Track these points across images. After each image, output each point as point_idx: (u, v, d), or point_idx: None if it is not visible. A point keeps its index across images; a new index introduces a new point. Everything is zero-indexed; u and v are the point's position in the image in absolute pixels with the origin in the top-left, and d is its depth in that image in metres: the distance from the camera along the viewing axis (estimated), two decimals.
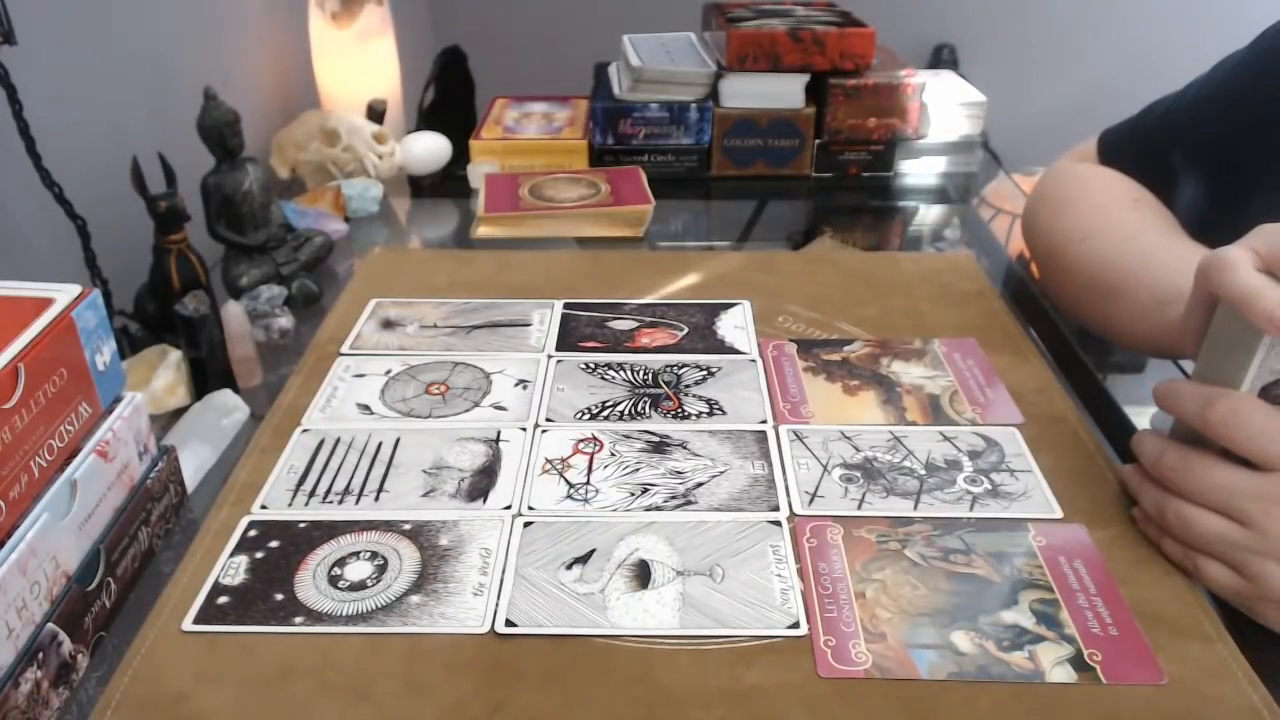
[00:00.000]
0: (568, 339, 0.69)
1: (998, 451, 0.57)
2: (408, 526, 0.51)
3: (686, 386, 0.63)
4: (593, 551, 0.50)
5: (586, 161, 1.02)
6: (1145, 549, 0.49)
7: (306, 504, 0.53)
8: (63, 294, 0.45)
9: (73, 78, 0.75)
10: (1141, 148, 0.70)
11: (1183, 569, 0.47)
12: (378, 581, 0.48)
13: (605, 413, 0.61)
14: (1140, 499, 0.49)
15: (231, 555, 0.50)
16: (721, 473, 0.55)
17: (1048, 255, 0.70)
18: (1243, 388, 0.44)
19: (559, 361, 0.66)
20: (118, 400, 0.49)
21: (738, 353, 0.67)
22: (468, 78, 1.27)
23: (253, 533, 0.51)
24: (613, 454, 0.57)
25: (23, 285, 0.46)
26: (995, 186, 1.05)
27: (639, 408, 0.61)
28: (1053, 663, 0.43)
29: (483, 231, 0.89)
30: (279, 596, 0.47)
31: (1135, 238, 0.62)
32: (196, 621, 0.46)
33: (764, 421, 0.60)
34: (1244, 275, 0.42)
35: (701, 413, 0.61)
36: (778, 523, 0.51)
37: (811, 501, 0.53)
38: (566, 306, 0.73)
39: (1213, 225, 0.61)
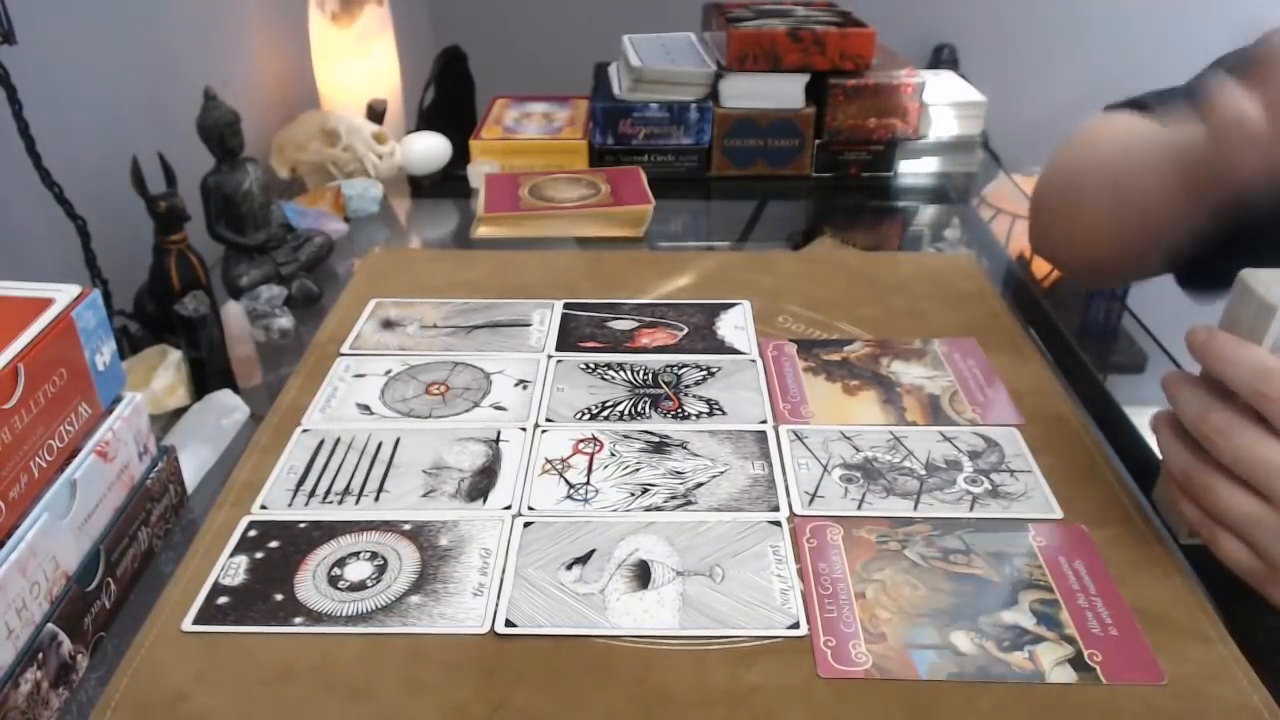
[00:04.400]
0: (568, 339, 0.69)
1: (998, 452, 0.57)
2: (408, 527, 0.51)
3: (686, 386, 0.63)
4: (593, 552, 0.50)
5: (586, 161, 1.02)
6: (1145, 549, 0.49)
7: (306, 504, 0.53)
8: (63, 294, 0.45)
9: (73, 78, 0.74)
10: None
11: (1199, 535, 0.46)
12: (378, 582, 0.48)
13: (605, 413, 0.61)
14: (1166, 457, 0.47)
15: (231, 555, 0.50)
16: (721, 473, 0.55)
17: (1057, 188, 0.69)
18: None
19: (559, 361, 0.66)
20: (118, 400, 0.49)
21: (738, 353, 0.67)
22: (468, 78, 1.27)
23: (253, 533, 0.51)
24: (613, 454, 0.57)
25: (23, 285, 0.46)
26: (995, 186, 1.05)
27: (639, 408, 0.61)
28: (1053, 663, 0.43)
29: (483, 231, 0.89)
30: (279, 597, 0.47)
31: (1143, 134, 0.64)
32: (196, 622, 0.46)
33: (764, 421, 0.60)
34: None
35: (701, 413, 0.61)
36: (778, 523, 0.51)
37: (811, 502, 0.53)
38: (566, 307, 0.73)
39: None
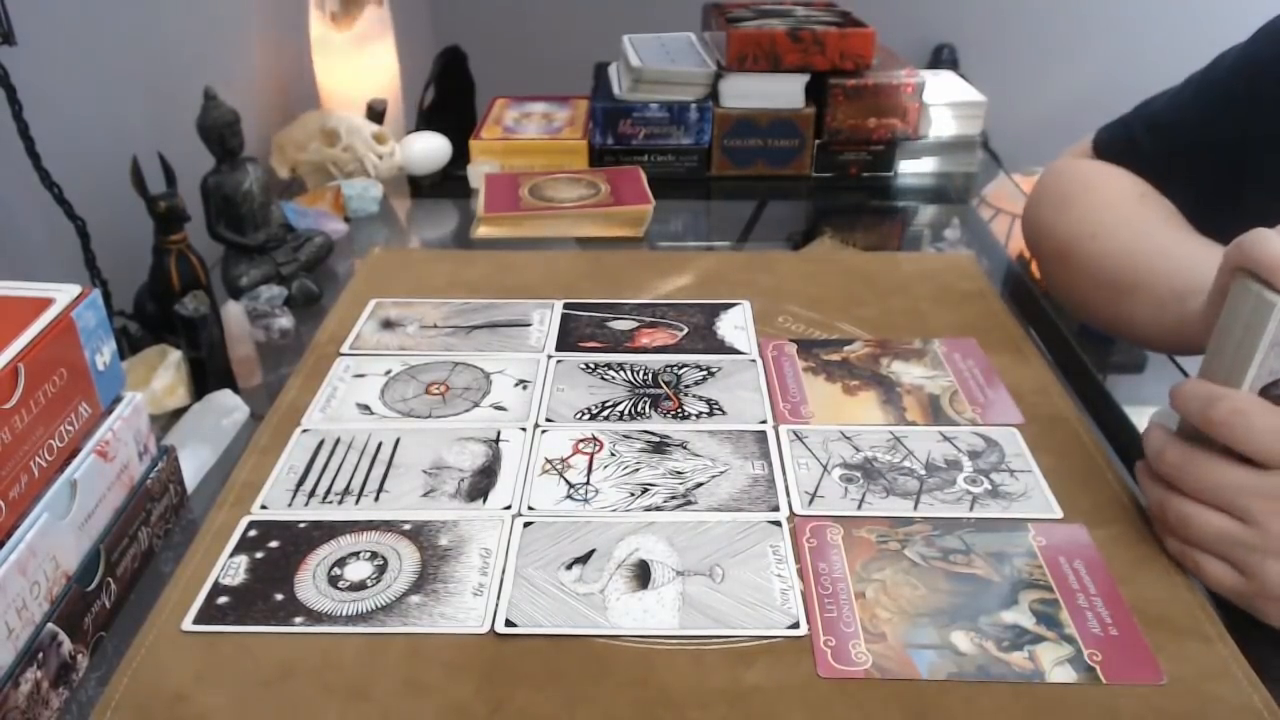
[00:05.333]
0: (568, 339, 0.69)
1: (998, 452, 0.57)
2: (408, 526, 0.51)
3: (686, 386, 0.63)
4: (593, 551, 0.50)
5: (586, 161, 1.02)
6: (1145, 549, 0.49)
7: (306, 504, 0.53)
8: (63, 294, 0.45)
9: (73, 78, 0.74)
10: (1136, 145, 0.69)
11: (1183, 566, 0.48)
12: (378, 582, 0.48)
13: (605, 413, 0.61)
14: (1147, 499, 0.49)
15: (231, 555, 0.50)
16: (721, 473, 0.55)
17: (1054, 253, 0.70)
18: (1243, 388, 0.44)
19: (559, 362, 0.66)
20: (118, 400, 0.49)
21: (738, 353, 0.67)
22: (468, 78, 1.27)
23: (253, 533, 0.51)
24: (613, 454, 0.57)
25: (23, 285, 0.46)
26: (995, 186, 1.05)
27: (639, 408, 0.61)
28: (1053, 663, 0.43)
29: (483, 231, 0.89)
30: (279, 596, 0.47)
31: (1149, 233, 0.62)
32: (196, 621, 0.46)
33: (764, 422, 0.60)
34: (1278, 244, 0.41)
35: (701, 413, 0.61)
36: (778, 523, 0.51)
37: (811, 502, 0.53)
38: (566, 307, 0.73)
39: (1206, 224, 0.61)
